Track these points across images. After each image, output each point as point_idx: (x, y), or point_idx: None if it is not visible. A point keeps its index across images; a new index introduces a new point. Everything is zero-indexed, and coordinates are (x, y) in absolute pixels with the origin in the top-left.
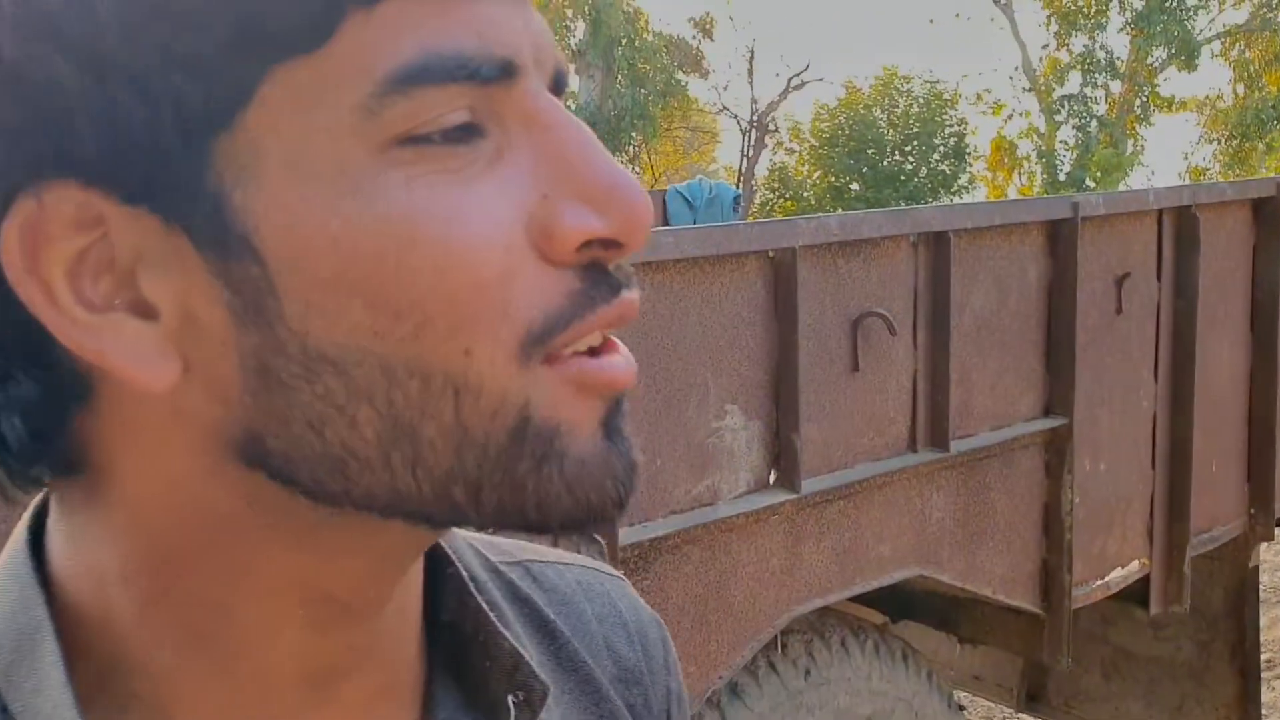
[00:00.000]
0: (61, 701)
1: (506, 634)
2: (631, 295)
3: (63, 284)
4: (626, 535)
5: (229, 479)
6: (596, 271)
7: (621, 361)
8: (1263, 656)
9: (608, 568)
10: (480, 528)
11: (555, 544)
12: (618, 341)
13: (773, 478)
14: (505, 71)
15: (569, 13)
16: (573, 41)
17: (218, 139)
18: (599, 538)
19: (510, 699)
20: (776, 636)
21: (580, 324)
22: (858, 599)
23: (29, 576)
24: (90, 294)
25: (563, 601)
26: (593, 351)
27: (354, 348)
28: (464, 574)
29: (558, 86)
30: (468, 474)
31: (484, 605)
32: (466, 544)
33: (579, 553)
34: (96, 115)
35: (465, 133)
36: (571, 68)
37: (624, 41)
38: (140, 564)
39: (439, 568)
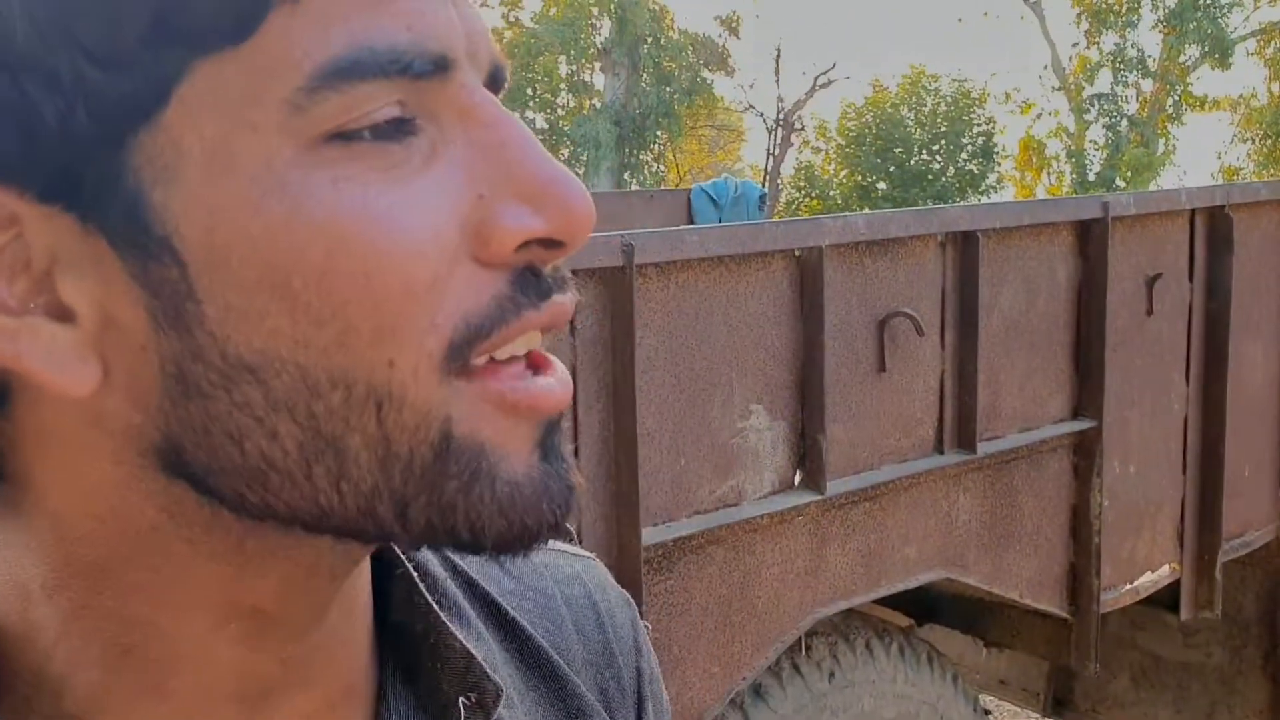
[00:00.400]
0: None
1: (458, 634)
2: (563, 300)
3: None
4: (650, 535)
5: (150, 489)
6: (528, 275)
7: (553, 383)
8: None
9: (577, 549)
10: (411, 546)
11: None
12: (552, 360)
13: (798, 479)
14: (438, 66)
15: (594, 10)
16: (598, 40)
17: (136, 137)
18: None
19: (461, 701)
20: (801, 638)
21: (505, 329)
22: (883, 601)
23: None
24: (5, 296)
25: (529, 587)
26: (528, 367)
27: (274, 356)
28: (413, 573)
29: (495, 82)
30: (394, 491)
31: (434, 605)
32: None
33: None
34: (8, 112)
35: (397, 129)
36: (596, 66)
37: (649, 40)
38: (62, 577)
39: (389, 567)
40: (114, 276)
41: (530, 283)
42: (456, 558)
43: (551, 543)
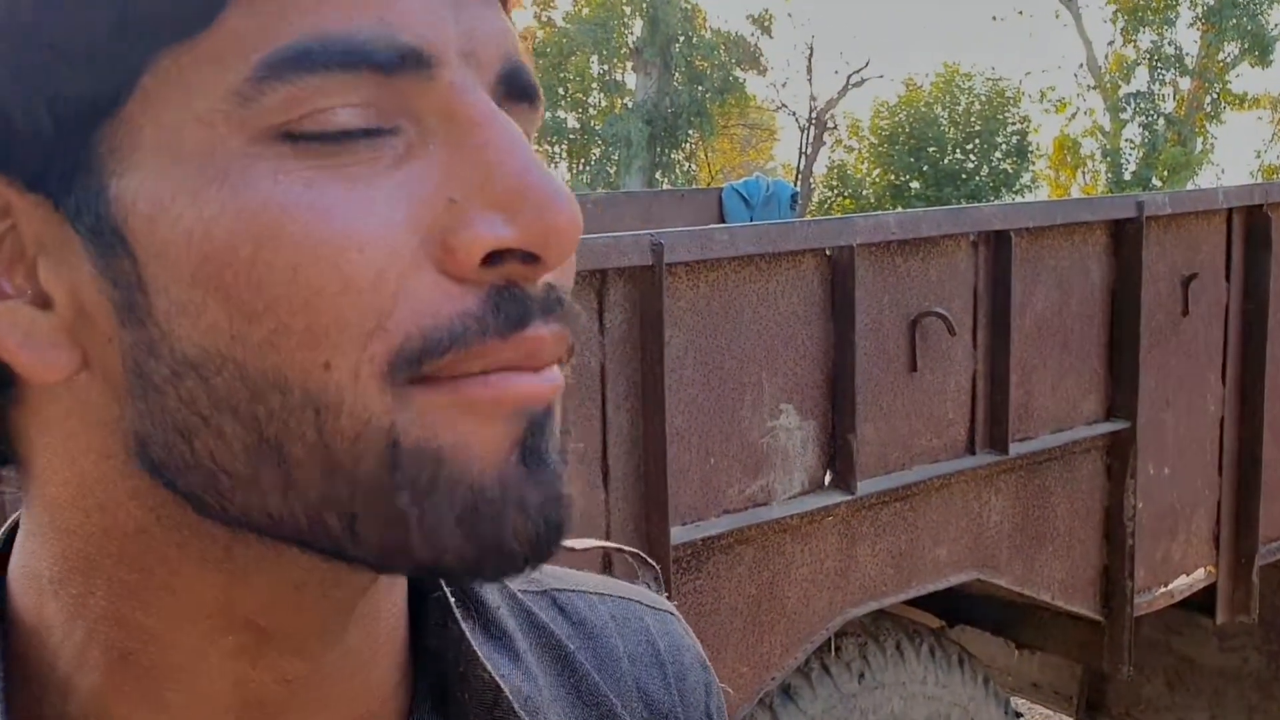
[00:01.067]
0: None
1: (490, 665)
2: (540, 332)
3: None
4: (679, 534)
5: (135, 486)
6: (506, 295)
7: (530, 377)
8: None
9: (654, 598)
10: (374, 566)
11: (605, 569)
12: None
13: (828, 479)
14: (408, 61)
15: (626, 10)
16: (630, 39)
17: (101, 128)
18: (652, 563)
19: None
20: (830, 639)
21: (463, 352)
22: (913, 602)
23: None
24: (3, 284)
25: (589, 635)
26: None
27: (214, 352)
28: (449, 599)
29: (512, 86)
30: (340, 502)
31: (465, 633)
32: None
33: (634, 580)
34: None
35: (365, 133)
36: (628, 65)
37: (681, 39)
38: (62, 571)
39: (426, 591)
40: (82, 266)
41: (506, 304)
42: (519, 586)
43: (623, 590)
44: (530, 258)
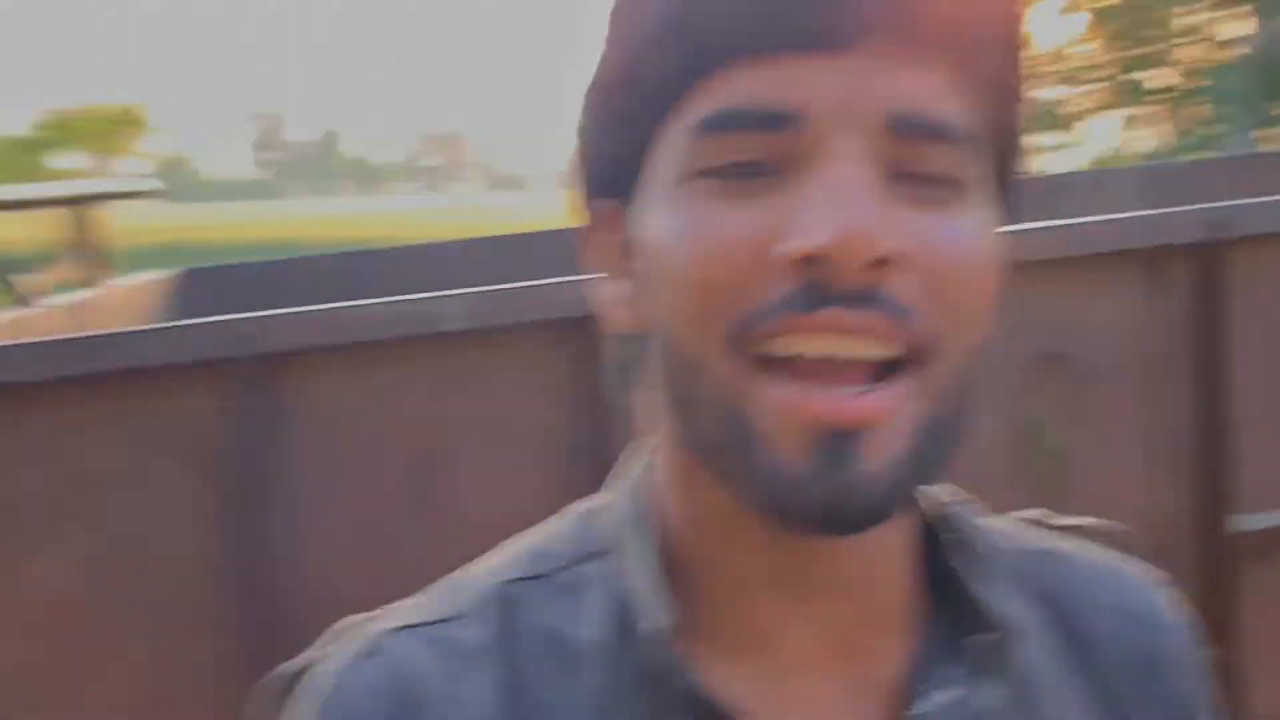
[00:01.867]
0: (656, 585)
1: (978, 588)
2: (838, 313)
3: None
4: (1245, 523)
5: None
6: (809, 285)
7: (842, 398)
8: None
9: (1146, 567)
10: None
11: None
12: (867, 378)
13: None
14: (778, 121)
15: None
16: None
17: (640, 168)
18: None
19: (981, 635)
20: None
21: (769, 324)
22: None
23: (640, 464)
24: (617, 270)
25: (1073, 583)
26: (830, 377)
27: (656, 322)
28: (954, 540)
29: (901, 130)
30: (705, 443)
31: (957, 569)
32: (1001, 527)
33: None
34: (604, 152)
35: (750, 168)
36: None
37: None
38: (669, 475)
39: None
40: (630, 257)
41: (806, 292)
42: (1018, 544)
43: (1116, 558)
44: (825, 260)
